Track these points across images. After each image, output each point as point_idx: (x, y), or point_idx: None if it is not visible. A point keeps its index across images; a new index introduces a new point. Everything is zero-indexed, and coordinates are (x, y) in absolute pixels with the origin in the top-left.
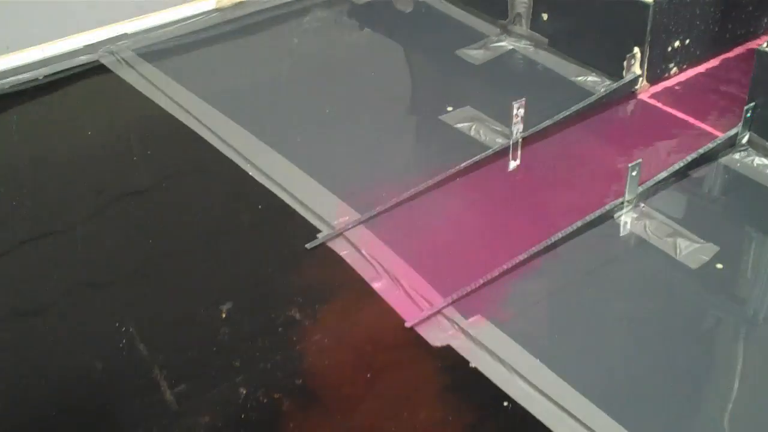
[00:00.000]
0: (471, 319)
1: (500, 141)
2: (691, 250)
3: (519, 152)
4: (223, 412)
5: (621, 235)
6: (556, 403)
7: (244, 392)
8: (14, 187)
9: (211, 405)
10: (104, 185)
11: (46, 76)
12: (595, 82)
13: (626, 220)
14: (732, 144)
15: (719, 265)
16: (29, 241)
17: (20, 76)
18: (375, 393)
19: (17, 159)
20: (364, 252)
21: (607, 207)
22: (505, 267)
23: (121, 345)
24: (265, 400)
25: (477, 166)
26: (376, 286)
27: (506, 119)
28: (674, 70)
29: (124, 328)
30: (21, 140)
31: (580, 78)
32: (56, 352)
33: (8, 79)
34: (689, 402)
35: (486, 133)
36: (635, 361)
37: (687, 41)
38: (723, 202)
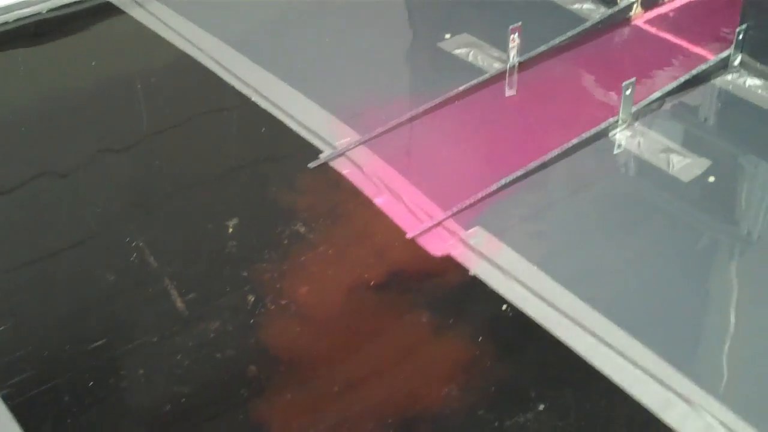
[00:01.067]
0: (470, 231)
1: (497, 66)
2: (683, 164)
3: (516, 77)
4: (233, 318)
5: (615, 152)
6: (552, 305)
7: (252, 299)
8: (23, 122)
9: (220, 312)
10: (115, 116)
11: (50, 10)
12: (590, 10)
13: (620, 138)
14: (725, 66)
15: (711, 179)
16: (44, 174)
17: (25, 10)
18: (378, 299)
19: (24, 96)
20: (365, 170)
21: (602, 125)
22: (502, 182)
23: (132, 258)
24: (272, 307)
25: (474, 89)
26: (377, 201)
27: (504, 46)
28: None
29: (134, 243)
30: (27, 78)
31: (576, 5)
32: (70, 265)
33: (13, 13)
34: (680, 301)
35: (483, 59)
36: (628, 266)
37: None
38: (715, 121)
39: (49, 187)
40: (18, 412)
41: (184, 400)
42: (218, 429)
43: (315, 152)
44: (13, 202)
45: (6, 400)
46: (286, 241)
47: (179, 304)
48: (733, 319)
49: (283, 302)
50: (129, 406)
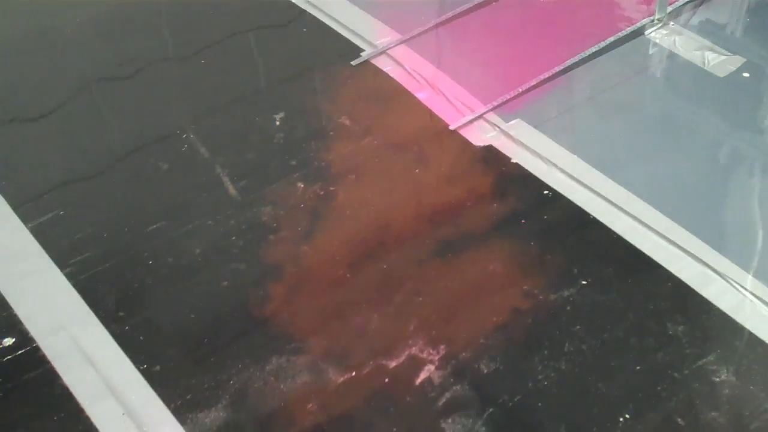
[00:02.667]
0: (511, 122)
1: None
2: (718, 61)
3: None
4: (284, 202)
5: (651, 49)
6: (592, 190)
7: (302, 186)
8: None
9: (271, 197)
10: (163, 26)
11: None
12: None
13: (656, 36)
14: None
15: (746, 74)
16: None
17: None
18: (424, 186)
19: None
20: (406, 67)
21: (638, 24)
22: (542, 77)
23: (183, 149)
24: (321, 192)
25: None
26: (419, 96)
27: None
28: None
29: (184, 135)
30: None
31: None
32: (125, 157)
33: None
34: (716, 186)
35: None
36: (663, 154)
37: None
38: (749, 20)
39: (107, 88)
40: (81, 288)
41: (241, 276)
42: (276, 301)
43: (357, 51)
44: (77, 102)
45: (70, 278)
46: (332, 133)
47: (232, 190)
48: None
49: (332, 189)
50: (188, 282)
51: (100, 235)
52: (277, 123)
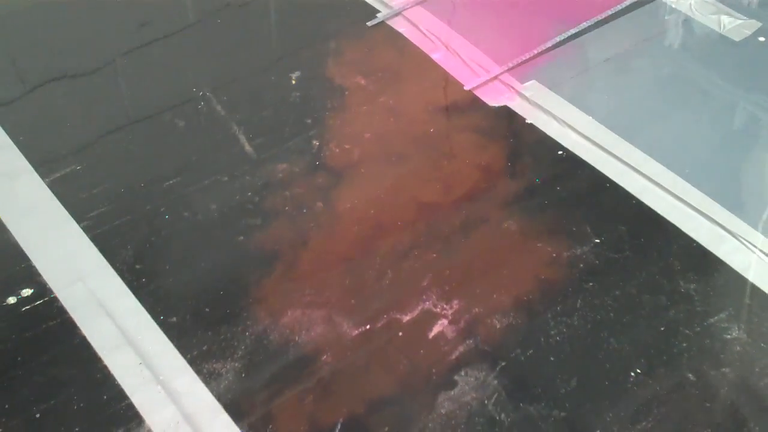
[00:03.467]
0: (526, 84)
1: None
2: (734, 25)
3: None
4: (299, 160)
5: (667, 13)
6: (605, 150)
7: (317, 144)
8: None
9: (287, 155)
10: None
11: None
12: None
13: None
14: None
15: (761, 38)
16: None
17: None
18: (438, 146)
19: None
20: (422, 28)
21: None
22: (557, 39)
23: (199, 107)
24: (337, 150)
25: None
26: (435, 56)
27: None
28: None
29: (201, 93)
30: None
31: None
32: (140, 113)
33: None
34: (728, 148)
35: None
36: (677, 115)
37: None
38: None
39: (126, 50)
40: (98, 242)
41: (256, 231)
42: (291, 256)
43: (372, 12)
44: (95, 63)
45: (87, 231)
46: (347, 92)
47: (247, 147)
48: None
49: (347, 146)
50: (204, 236)
51: (117, 190)
52: (293, 82)
